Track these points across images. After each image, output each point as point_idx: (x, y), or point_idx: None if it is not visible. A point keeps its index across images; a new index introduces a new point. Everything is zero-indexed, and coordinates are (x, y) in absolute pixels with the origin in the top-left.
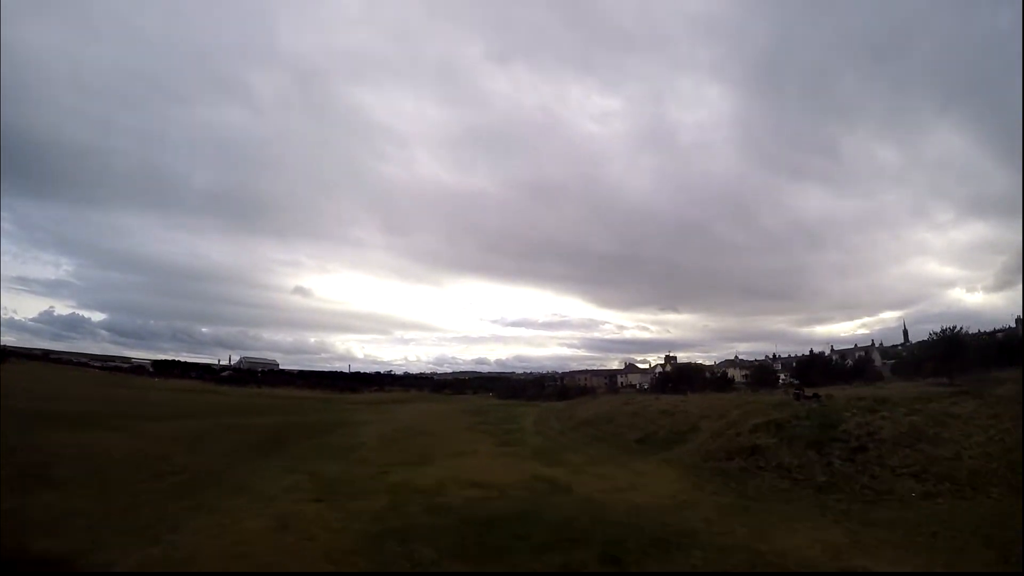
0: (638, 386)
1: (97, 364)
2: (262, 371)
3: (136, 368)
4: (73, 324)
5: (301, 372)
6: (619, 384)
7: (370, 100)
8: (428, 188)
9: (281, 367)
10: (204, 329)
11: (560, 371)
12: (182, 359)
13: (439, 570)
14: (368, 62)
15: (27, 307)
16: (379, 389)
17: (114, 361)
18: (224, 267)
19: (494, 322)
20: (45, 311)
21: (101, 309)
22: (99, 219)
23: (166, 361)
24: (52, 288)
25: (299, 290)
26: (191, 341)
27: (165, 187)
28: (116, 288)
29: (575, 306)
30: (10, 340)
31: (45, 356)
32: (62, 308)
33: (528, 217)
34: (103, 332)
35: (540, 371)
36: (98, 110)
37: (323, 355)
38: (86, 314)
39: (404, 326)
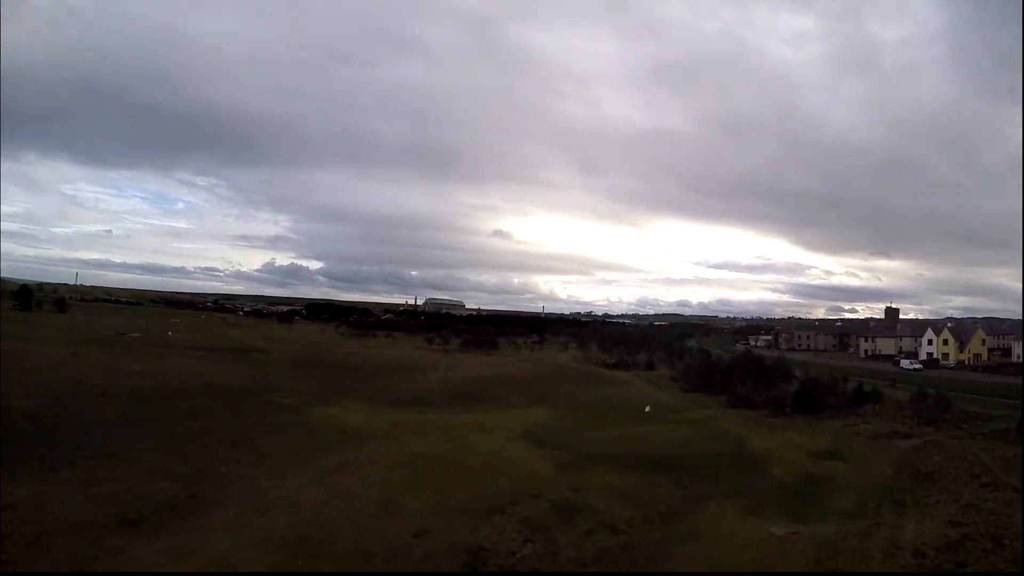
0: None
1: (247, 309)
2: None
3: (286, 314)
4: (293, 272)
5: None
6: (860, 349)
7: (542, 40)
8: (619, 127)
9: (481, 308)
10: (413, 272)
11: (764, 316)
12: (381, 300)
13: None
14: (536, 2)
15: (251, 260)
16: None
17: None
18: (423, 214)
19: (696, 264)
20: (268, 263)
21: (317, 258)
22: (304, 178)
23: (319, 304)
24: (272, 242)
25: (498, 233)
26: (400, 283)
27: (359, 145)
28: (328, 239)
29: (780, 248)
30: (239, 289)
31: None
32: (282, 259)
33: (724, 155)
34: (321, 278)
35: (745, 316)
36: (290, 81)
37: (527, 295)
38: (304, 263)
39: (605, 267)
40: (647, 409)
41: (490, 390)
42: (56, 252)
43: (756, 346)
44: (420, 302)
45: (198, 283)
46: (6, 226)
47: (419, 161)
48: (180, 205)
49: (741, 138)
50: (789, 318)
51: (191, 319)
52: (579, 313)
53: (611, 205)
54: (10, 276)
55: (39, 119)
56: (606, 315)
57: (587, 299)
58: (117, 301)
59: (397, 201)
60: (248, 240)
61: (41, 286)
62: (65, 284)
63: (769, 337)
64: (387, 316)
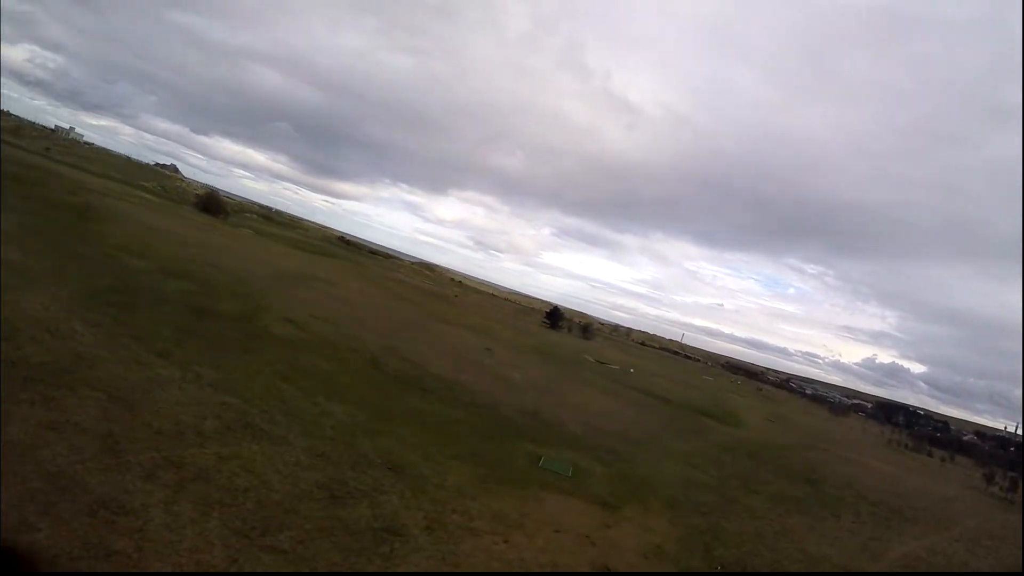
0: None
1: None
2: None
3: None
4: (893, 372)
5: None
6: None
7: None
8: None
9: None
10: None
11: None
12: (978, 421)
13: None
14: None
15: (852, 352)
16: None
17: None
18: None
19: None
20: (868, 358)
21: (921, 361)
22: (912, 272)
23: (892, 404)
24: (875, 337)
25: None
26: (1008, 405)
27: (967, 234)
28: (934, 341)
29: None
30: (835, 379)
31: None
32: (883, 357)
33: None
34: (921, 384)
35: None
36: (894, 168)
37: None
38: (906, 364)
39: None
40: None
41: None
42: (673, 315)
43: None
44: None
45: (796, 366)
46: (636, 288)
47: None
48: (790, 290)
49: None
50: None
51: (746, 384)
52: None
53: None
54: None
55: (663, 206)
56: None
57: None
58: (677, 353)
59: (1008, 303)
60: (851, 332)
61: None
62: (672, 340)
63: None
64: (968, 438)
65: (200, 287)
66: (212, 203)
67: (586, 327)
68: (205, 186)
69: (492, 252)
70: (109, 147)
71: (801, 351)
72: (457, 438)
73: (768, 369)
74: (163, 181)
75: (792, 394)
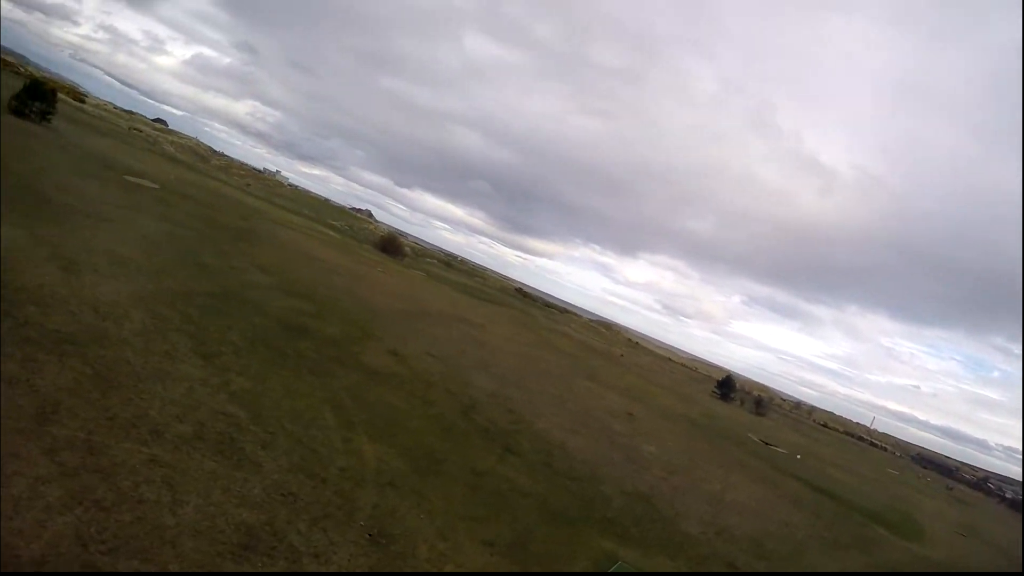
0: None
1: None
2: None
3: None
4: None
5: None
6: None
7: None
8: None
9: None
10: None
11: None
12: None
13: None
14: None
15: None
16: None
17: None
18: None
19: None
20: None
21: None
22: None
23: None
24: None
25: None
26: None
27: None
28: None
29: None
30: None
31: None
32: None
33: None
34: None
35: None
36: None
37: None
38: None
39: None
40: None
41: None
42: (864, 395)
43: None
44: None
45: (997, 462)
46: (827, 364)
47: None
48: (995, 373)
49: None
50: None
51: (936, 481)
52: None
53: None
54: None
55: (858, 274)
56: None
57: None
58: (862, 439)
59: None
60: None
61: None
62: (860, 424)
63: None
64: None
65: (314, 308)
66: (391, 244)
67: (759, 401)
68: (394, 230)
69: (680, 317)
70: (318, 192)
71: (1003, 445)
72: (509, 515)
73: (964, 464)
74: (352, 222)
75: (989, 497)
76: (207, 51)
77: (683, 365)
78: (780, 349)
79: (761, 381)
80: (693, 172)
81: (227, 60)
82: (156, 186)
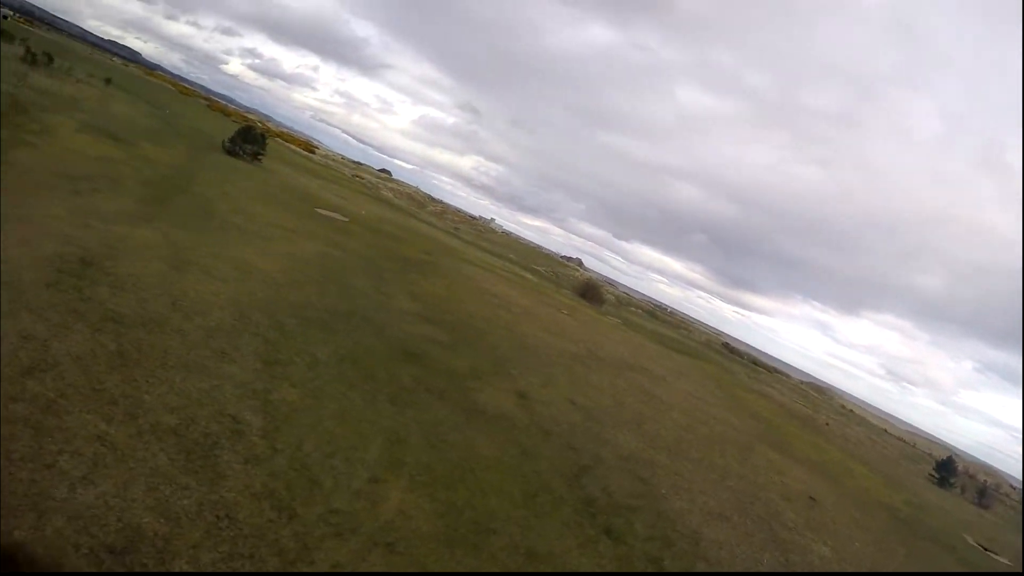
0: None
1: None
2: None
3: None
4: None
5: None
6: None
7: None
8: None
9: None
10: None
11: None
12: None
13: None
14: None
15: None
16: None
17: None
18: None
19: None
20: None
21: None
22: None
23: None
24: None
25: None
26: None
27: None
28: None
29: None
30: None
31: None
32: None
33: None
34: None
35: None
36: None
37: None
38: None
39: None
40: None
41: None
42: None
43: None
44: None
45: None
46: None
47: None
48: None
49: None
50: None
51: None
52: None
53: None
54: None
55: None
56: None
57: None
58: None
59: None
60: None
61: None
62: None
63: None
64: None
65: (449, 338)
66: (590, 290)
67: (983, 489)
68: (605, 279)
69: (904, 384)
70: (534, 240)
71: None
72: None
73: None
74: (557, 268)
75: None
76: (433, 111)
77: (900, 439)
78: (1014, 426)
79: (989, 462)
80: (918, 220)
81: (452, 120)
82: (345, 219)
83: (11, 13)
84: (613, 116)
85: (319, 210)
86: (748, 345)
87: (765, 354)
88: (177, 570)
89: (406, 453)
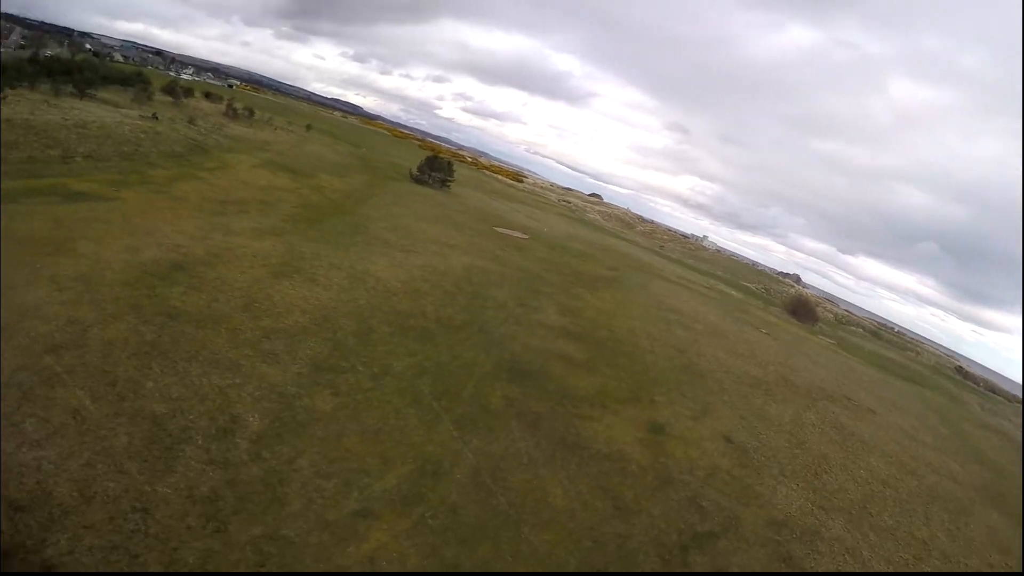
0: None
1: None
2: None
3: None
4: None
5: None
6: None
7: None
8: None
9: None
10: None
11: None
12: None
13: None
14: None
15: None
16: None
17: None
18: None
19: None
20: None
21: None
22: None
23: None
24: None
25: None
26: None
27: None
28: None
29: None
30: None
31: None
32: None
33: None
34: None
35: None
36: None
37: None
38: None
39: None
40: None
41: None
42: None
43: None
44: None
45: None
46: None
47: None
48: None
49: None
50: None
51: None
52: None
53: None
54: None
55: None
56: None
57: None
58: None
59: None
60: None
61: None
62: None
63: None
64: None
65: (587, 356)
66: (802, 307)
67: None
68: (828, 296)
69: None
70: (752, 258)
71: None
72: None
73: None
74: (770, 284)
75: None
76: (642, 134)
77: None
78: None
79: None
80: None
81: (662, 142)
82: (525, 237)
83: (237, 82)
84: (824, 121)
85: (499, 229)
86: (987, 369)
87: (1007, 379)
88: (49, 545)
89: (435, 488)
